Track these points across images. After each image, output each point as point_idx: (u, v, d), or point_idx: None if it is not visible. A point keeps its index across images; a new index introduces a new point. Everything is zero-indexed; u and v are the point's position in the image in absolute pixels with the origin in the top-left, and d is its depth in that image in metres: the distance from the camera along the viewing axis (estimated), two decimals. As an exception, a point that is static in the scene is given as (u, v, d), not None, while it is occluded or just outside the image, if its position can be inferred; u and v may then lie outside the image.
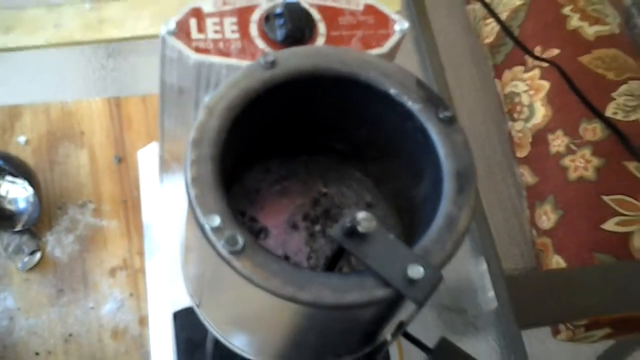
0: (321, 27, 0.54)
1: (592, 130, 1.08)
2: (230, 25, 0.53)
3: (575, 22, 1.16)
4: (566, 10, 1.19)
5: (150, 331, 0.68)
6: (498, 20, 1.04)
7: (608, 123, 1.07)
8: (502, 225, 1.15)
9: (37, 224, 0.72)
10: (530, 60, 1.16)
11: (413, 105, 0.46)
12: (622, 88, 1.11)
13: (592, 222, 1.03)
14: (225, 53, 0.52)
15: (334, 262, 0.45)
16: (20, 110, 0.78)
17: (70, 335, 0.68)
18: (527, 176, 1.12)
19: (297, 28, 0.53)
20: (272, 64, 0.45)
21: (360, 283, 0.40)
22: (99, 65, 0.82)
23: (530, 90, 1.14)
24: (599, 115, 1.08)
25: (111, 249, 0.72)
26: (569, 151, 1.08)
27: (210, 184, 0.42)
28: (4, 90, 0.81)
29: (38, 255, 0.71)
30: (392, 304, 0.43)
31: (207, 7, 0.53)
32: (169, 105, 0.59)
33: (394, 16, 0.55)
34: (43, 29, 0.81)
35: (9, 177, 0.71)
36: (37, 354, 0.67)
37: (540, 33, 1.16)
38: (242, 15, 0.53)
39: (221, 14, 0.53)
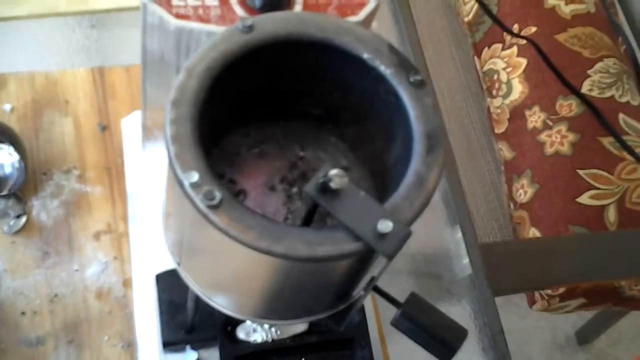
0: (298, -5, 0.55)
1: (568, 106, 1.10)
2: (210, -8, 0.55)
3: (552, 0, 1.18)
4: (543, -12, 1.20)
5: (133, 293, 0.70)
6: (477, -3, 1.06)
7: (584, 99, 1.10)
8: (481, 200, 1.18)
9: (22, 189, 0.73)
10: (508, 38, 1.18)
11: (385, 70, 0.47)
12: (598, 65, 1.13)
13: (567, 196, 1.06)
14: (205, 19, 0.53)
15: (309, 218, 0.47)
16: (5, 79, 0.79)
17: (55, 295, 0.69)
18: (505, 151, 1.14)
19: (275, -5, 0.55)
20: (250, 28, 0.47)
21: (332, 237, 0.42)
22: (83, 36, 0.83)
23: (508, 67, 1.16)
24: (574, 91, 1.10)
25: (95, 214, 0.73)
26: (546, 127, 1.10)
27: (189, 142, 0.43)
28: (-12, 60, 0.82)
29: (24, 219, 0.72)
30: (363, 258, 0.45)
31: (187, -26, 0.55)
32: (151, 73, 0.61)
33: (370, -14, 0.57)
34: (27, 0, 0.82)
35: (-5, 143, 0.73)
36: (23, 313, 0.68)
37: (518, 11, 1.18)
38: (222, -18, 0.55)
39: (202, -19, 0.55)
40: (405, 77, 0.47)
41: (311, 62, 0.49)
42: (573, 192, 1.06)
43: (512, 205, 1.12)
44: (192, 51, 0.56)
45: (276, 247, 0.41)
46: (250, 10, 0.55)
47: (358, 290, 0.51)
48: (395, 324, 0.51)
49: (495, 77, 1.18)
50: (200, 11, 0.54)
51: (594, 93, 1.11)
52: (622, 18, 1.27)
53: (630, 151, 1.06)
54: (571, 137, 1.08)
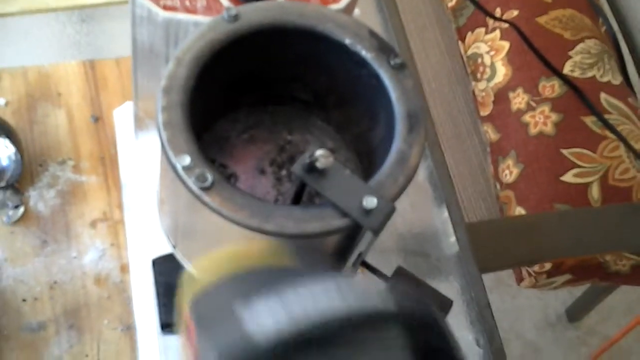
0: (282, -15, 0.57)
1: (551, 87, 1.12)
2: (195, -16, 0.57)
3: (533, -17, 1.20)
4: (524, -29, 1.22)
5: (131, 277, 0.72)
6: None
7: (566, 80, 1.12)
8: (468, 181, 1.20)
9: (19, 181, 0.75)
10: (491, 22, 1.19)
11: (367, 54, 0.50)
12: (579, 46, 1.15)
13: (551, 175, 1.08)
14: (191, 10, 0.55)
15: (298, 197, 0.49)
16: None
17: (55, 282, 0.71)
18: (491, 133, 1.16)
19: (258, -14, 0.56)
20: (235, 18, 0.49)
21: (320, 214, 0.44)
22: (74, 30, 0.84)
23: (492, 50, 1.18)
24: (556, 73, 1.12)
25: (91, 203, 0.75)
26: (529, 108, 1.12)
27: (181, 127, 0.45)
28: (-18, 56, 0.83)
29: (22, 209, 0.74)
30: (350, 233, 0.47)
31: (173, -33, 0.57)
32: (141, 63, 0.62)
33: (351, -26, 0.58)
34: (18, -4, 0.84)
35: (-10, 137, 0.75)
36: (24, 300, 0.70)
37: (500, -6, 1.19)
38: (207, -26, 0.57)
39: (187, -27, 0.57)
40: (385, 60, 0.50)
41: (296, 48, 0.51)
42: (557, 170, 1.08)
43: (498, 186, 1.14)
44: (180, 41, 0.58)
45: (267, 225, 0.43)
46: (235, 0, 0.56)
47: (348, 265, 0.53)
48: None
49: (479, 60, 1.20)
50: (187, 3, 0.55)
51: (576, 74, 1.13)
52: (602, -1, 1.29)
53: (613, 129, 1.08)
54: (554, 117, 1.11)
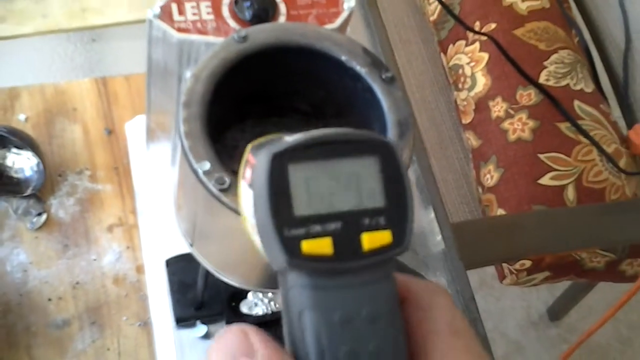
0: (282, 8, 0.62)
1: (528, 95, 1.18)
2: (205, 8, 0.61)
3: (509, -2, 1.26)
4: (501, -13, 1.27)
5: (146, 277, 0.77)
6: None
7: (541, 89, 1.18)
8: (452, 186, 1.26)
9: (41, 190, 0.80)
10: (470, 35, 1.25)
11: (361, 69, 0.55)
12: (553, 57, 1.21)
13: (530, 178, 1.14)
14: (203, 32, 0.60)
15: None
16: (18, 92, 0.85)
17: (77, 283, 0.76)
18: (472, 140, 1.22)
19: (262, 9, 0.61)
20: (244, 39, 0.54)
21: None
22: (85, 50, 0.89)
23: (472, 62, 1.24)
24: (533, 82, 1.18)
25: (107, 209, 0.80)
26: (508, 115, 1.18)
27: (200, 137, 0.51)
28: (1, 75, 0.89)
29: (44, 216, 0.79)
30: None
31: (184, -7, 0.62)
32: (155, 79, 0.68)
33: (343, -4, 0.65)
34: (32, 19, 0.89)
35: (14, 150, 0.79)
36: (49, 299, 0.75)
37: (479, 9, 1.25)
38: (215, -1, 0.63)
39: (197, -1, 0.63)
40: (378, 74, 0.55)
41: (298, 65, 0.57)
42: (535, 174, 1.13)
43: (480, 190, 1.20)
44: (192, 59, 0.64)
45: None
46: (242, 22, 0.62)
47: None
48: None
49: (461, 71, 1.25)
50: (199, 24, 0.61)
51: (551, 82, 1.19)
52: (575, 11, 1.36)
53: (586, 135, 1.15)
54: (531, 123, 1.16)
